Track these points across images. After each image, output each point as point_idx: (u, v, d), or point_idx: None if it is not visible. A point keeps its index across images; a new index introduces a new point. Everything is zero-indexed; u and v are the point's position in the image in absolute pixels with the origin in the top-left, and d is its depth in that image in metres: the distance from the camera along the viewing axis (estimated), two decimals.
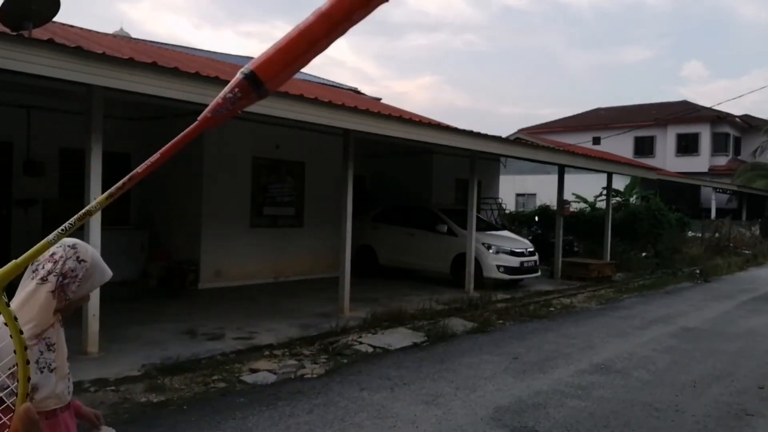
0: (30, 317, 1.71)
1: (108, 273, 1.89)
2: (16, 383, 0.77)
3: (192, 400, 5.17)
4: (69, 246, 1.82)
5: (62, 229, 0.78)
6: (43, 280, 1.75)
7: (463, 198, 12.96)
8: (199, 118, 0.82)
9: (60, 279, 1.76)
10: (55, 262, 1.77)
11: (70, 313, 1.87)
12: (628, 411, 5.28)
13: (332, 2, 0.80)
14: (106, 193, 0.79)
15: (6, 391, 1.22)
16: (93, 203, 0.79)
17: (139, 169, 0.80)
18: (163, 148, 0.80)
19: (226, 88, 0.82)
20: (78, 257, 1.81)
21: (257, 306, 9.31)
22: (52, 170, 10.19)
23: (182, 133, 0.79)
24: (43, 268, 1.76)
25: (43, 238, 0.78)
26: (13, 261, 0.76)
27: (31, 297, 1.74)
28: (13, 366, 0.79)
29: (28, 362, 0.76)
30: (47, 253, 1.74)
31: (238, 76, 0.82)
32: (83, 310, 5.96)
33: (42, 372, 1.74)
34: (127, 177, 0.80)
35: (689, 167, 32.64)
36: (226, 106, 0.82)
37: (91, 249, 1.89)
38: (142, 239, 11.08)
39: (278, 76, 0.83)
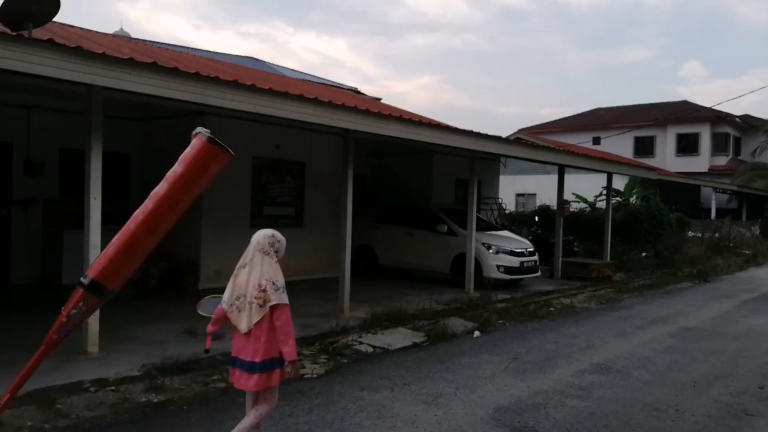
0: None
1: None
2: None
3: (192, 400, 5.17)
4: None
5: None
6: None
7: (463, 198, 12.96)
8: (44, 341, 0.81)
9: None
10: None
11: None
12: (628, 411, 5.28)
13: (171, 181, 0.78)
14: None
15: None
16: None
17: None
18: (16, 379, 0.78)
19: (69, 305, 0.80)
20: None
21: None
22: (52, 170, 10.18)
23: (27, 366, 0.77)
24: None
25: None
26: None
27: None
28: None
29: None
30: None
31: (78, 288, 0.80)
32: None
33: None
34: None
35: (689, 167, 32.65)
36: (73, 321, 0.80)
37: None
38: None
39: (120, 274, 0.81)
